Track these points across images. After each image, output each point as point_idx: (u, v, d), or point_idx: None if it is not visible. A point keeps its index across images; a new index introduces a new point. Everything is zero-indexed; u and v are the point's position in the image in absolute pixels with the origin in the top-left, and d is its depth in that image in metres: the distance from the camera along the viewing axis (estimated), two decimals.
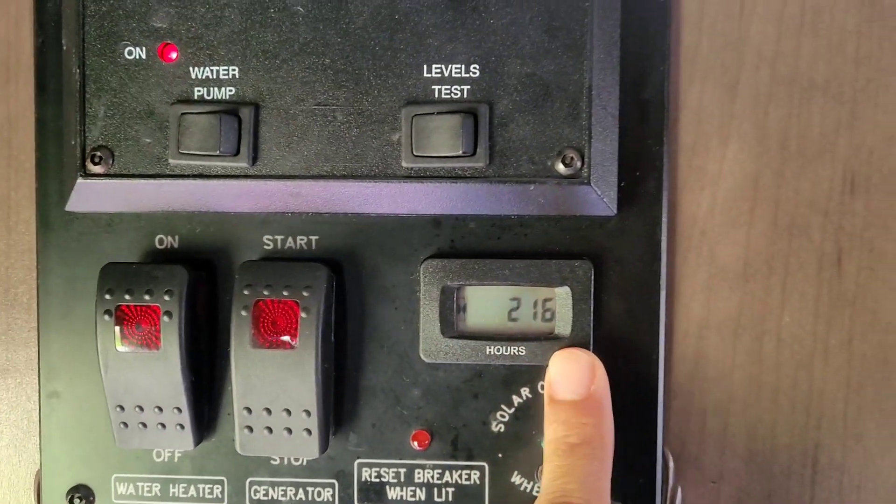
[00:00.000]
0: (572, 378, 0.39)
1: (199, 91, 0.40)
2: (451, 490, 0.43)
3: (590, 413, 0.38)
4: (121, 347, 0.41)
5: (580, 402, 0.39)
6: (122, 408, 0.42)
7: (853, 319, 0.42)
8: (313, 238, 0.43)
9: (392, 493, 0.43)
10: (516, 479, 0.43)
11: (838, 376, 0.42)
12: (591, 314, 0.41)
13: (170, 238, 0.43)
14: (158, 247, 0.43)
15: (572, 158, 0.39)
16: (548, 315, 0.42)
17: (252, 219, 0.43)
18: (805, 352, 0.42)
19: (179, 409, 0.42)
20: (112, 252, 0.43)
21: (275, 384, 0.41)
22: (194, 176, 0.40)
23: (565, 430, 0.38)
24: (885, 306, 0.42)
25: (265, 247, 0.43)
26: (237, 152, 0.40)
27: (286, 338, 0.40)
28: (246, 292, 0.41)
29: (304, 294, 0.40)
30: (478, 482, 0.43)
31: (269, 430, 0.41)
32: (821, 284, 0.42)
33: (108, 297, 0.41)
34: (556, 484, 0.36)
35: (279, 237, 0.43)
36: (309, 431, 0.41)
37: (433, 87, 0.39)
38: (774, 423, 0.42)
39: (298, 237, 0.43)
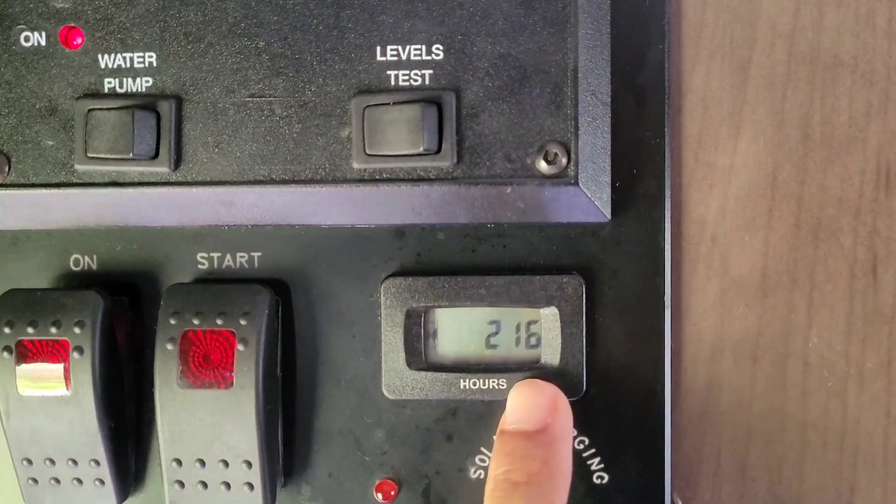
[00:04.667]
0: (528, 407, 0.38)
1: (109, 83, 0.39)
2: None
3: (541, 446, 0.37)
4: (24, 390, 0.39)
5: (532, 434, 0.37)
6: (29, 461, 0.40)
7: (892, 338, 0.40)
8: (255, 255, 0.41)
9: None
10: None
11: (876, 405, 0.40)
12: (584, 339, 0.40)
13: (87, 258, 0.41)
14: (74, 268, 0.41)
15: (556, 155, 0.38)
16: (532, 341, 0.40)
17: (182, 234, 0.41)
18: (837, 377, 0.41)
19: (97, 462, 0.39)
20: (19, 276, 0.41)
21: (208, 430, 0.38)
22: (106, 184, 0.39)
23: (509, 465, 0.36)
24: None
25: (199, 266, 0.41)
26: (156, 155, 0.38)
27: (221, 375, 0.38)
28: (172, 321, 0.39)
29: (242, 322, 0.38)
30: None
31: (204, 484, 0.39)
32: (853, 297, 0.40)
33: (7, 330, 0.39)
34: None
35: (215, 255, 0.41)
36: (251, 486, 0.39)
37: (388, 72, 0.38)
38: (802, 463, 0.41)
39: (238, 254, 0.41)
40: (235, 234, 0.40)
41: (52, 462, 0.39)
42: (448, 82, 0.38)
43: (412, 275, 0.40)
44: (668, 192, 0.40)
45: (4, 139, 0.39)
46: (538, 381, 0.39)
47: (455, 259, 0.40)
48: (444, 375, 0.40)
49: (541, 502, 0.36)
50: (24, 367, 0.38)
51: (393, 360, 0.40)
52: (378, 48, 0.38)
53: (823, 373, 0.40)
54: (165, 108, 0.38)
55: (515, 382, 0.40)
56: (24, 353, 0.38)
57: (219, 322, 0.38)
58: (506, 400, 0.40)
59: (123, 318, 0.40)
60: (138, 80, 0.38)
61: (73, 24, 0.39)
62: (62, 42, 0.39)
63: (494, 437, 0.39)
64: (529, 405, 0.38)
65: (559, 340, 0.39)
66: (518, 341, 0.40)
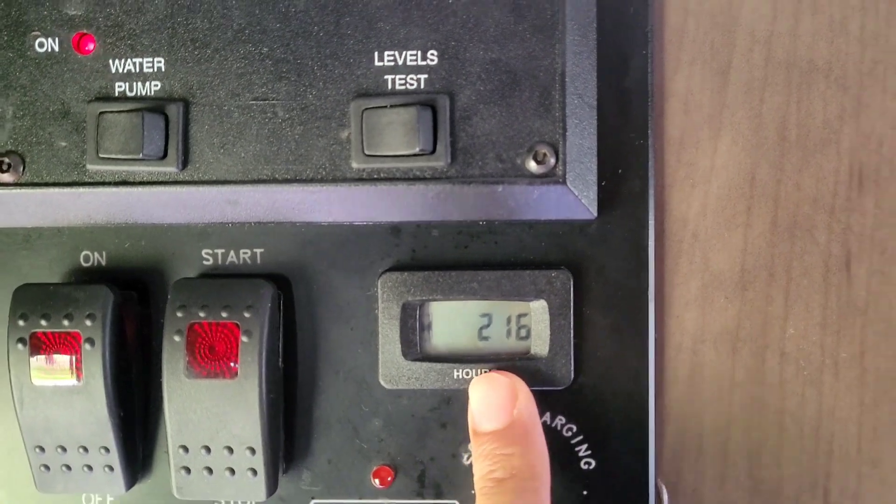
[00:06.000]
0: (491, 404, 0.38)
1: (120, 87, 0.39)
2: None
3: (514, 441, 0.38)
4: (37, 380, 0.39)
5: (502, 431, 0.38)
6: (41, 448, 0.40)
7: (865, 329, 0.41)
8: (257, 251, 0.41)
9: None
10: None
11: (850, 394, 0.41)
12: (572, 330, 0.40)
13: (96, 254, 0.42)
14: (84, 264, 0.42)
15: (545, 155, 0.38)
16: (523, 332, 0.41)
17: (188, 231, 0.41)
18: (812, 367, 0.41)
19: (107, 449, 0.40)
20: (31, 271, 0.42)
21: (214, 419, 0.39)
22: (116, 183, 0.39)
23: (490, 465, 0.37)
24: None
25: (204, 262, 0.41)
26: (164, 155, 0.38)
27: (226, 365, 0.38)
28: (179, 314, 0.39)
29: (246, 315, 0.39)
30: None
31: (209, 470, 0.39)
32: (828, 291, 0.41)
33: (21, 322, 0.39)
34: None
35: (219, 251, 0.41)
36: (254, 471, 0.39)
37: (385, 76, 0.38)
38: (780, 448, 0.41)
39: (241, 250, 0.41)
40: (239, 230, 0.41)
41: (64, 449, 0.39)
42: (442, 86, 0.38)
43: (408, 270, 0.40)
44: (651, 191, 0.40)
45: (19, 140, 0.39)
46: (492, 374, 0.39)
47: (449, 255, 0.40)
48: (438, 366, 0.40)
49: (528, 492, 0.37)
50: (38, 359, 0.38)
51: (389, 352, 0.40)
52: (376, 54, 0.38)
53: (800, 363, 0.41)
54: (173, 110, 0.38)
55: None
56: (38, 344, 0.38)
57: (223, 315, 0.38)
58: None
59: (132, 311, 0.40)
60: (147, 84, 0.38)
61: (85, 31, 0.39)
62: (75, 48, 0.39)
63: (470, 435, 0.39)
64: (491, 402, 0.38)
65: (548, 332, 0.40)
66: (509, 333, 0.40)
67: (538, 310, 0.40)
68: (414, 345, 0.40)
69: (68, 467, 0.40)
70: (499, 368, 0.40)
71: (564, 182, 0.38)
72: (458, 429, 0.41)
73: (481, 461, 0.37)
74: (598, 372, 0.40)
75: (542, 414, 0.40)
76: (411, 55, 0.38)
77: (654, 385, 0.40)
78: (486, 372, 0.40)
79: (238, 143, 0.38)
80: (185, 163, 0.38)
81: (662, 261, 0.41)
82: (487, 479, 0.37)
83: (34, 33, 0.39)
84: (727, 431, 0.41)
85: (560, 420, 0.40)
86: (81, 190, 0.39)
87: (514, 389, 0.38)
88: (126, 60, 0.38)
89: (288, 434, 0.41)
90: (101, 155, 0.38)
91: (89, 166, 0.38)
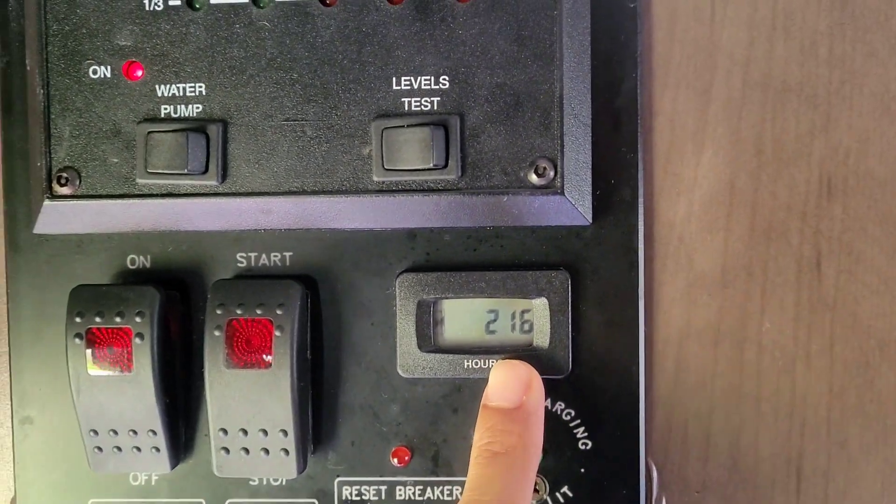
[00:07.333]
0: (507, 386, 0.39)
1: (165, 109, 0.40)
2: None
3: (517, 422, 0.38)
4: (92, 371, 0.41)
5: (509, 412, 0.39)
6: (95, 432, 0.42)
7: (834, 323, 0.42)
8: (287, 254, 0.42)
9: None
10: None
11: (820, 382, 0.42)
12: (570, 325, 0.41)
13: (142, 258, 0.43)
14: (130, 267, 0.43)
15: (545, 168, 0.39)
16: (526, 327, 0.42)
17: (224, 237, 0.43)
18: (786, 358, 0.42)
19: (154, 432, 0.41)
20: (83, 274, 0.43)
21: (250, 404, 0.40)
22: (163, 195, 0.40)
23: (490, 437, 0.38)
24: (866, 309, 0.42)
25: (238, 264, 0.43)
26: (206, 170, 0.40)
27: (261, 357, 0.40)
28: (219, 311, 0.40)
29: (278, 312, 0.40)
30: (459, 498, 0.41)
31: (246, 450, 0.41)
32: (800, 289, 0.42)
33: (78, 319, 0.41)
34: (473, 494, 0.37)
35: (252, 254, 0.43)
36: (286, 451, 0.41)
37: (403, 99, 0.39)
38: (757, 431, 0.42)
39: (272, 254, 0.43)
40: (270, 236, 0.42)
41: (115, 433, 0.41)
42: (453, 108, 0.39)
43: (423, 271, 0.41)
44: (641, 199, 0.41)
45: (76, 157, 0.40)
46: (515, 361, 0.40)
47: (459, 257, 0.42)
48: (450, 357, 0.41)
49: (517, 469, 0.38)
50: (93, 351, 0.40)
51: (406, 344, 0.41)
52: (394, 79, 0.39)
53: (775, 354, 0.42)
54: (213, 130, 0.39)
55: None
56: (93, 339, 0.40)
57: (258, 312, 0.40)
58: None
59: (176, 309, 0.42)
60: (190, 106, 0.40)
61: (134, 59, 0.40)
62: (125, 74, 0.40)
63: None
64: (508, 384, 0.39)
65: (548, 327, 0.41)
66: (513, 327, 0.42)
67: (540, 306, 0.41)
68: (428, 338, 0.42)
69: (119, 448, 0.41)
70: (506, 359, 0.41)
71: (563, 192, 0.39)
72: (469, 414, 0.42)
73: (483, 432, 0.39)
74: (593, 362, 0.41)
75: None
76: (425, 80, 0.39)
77: (644, 374, 0.41)
78: (495, 362, 0.41)
79: (271, 159, 0.40)
80: (224, 177, 0.40)
81: (651, 262, 0.42)
82: (485, 450, 0.38)
83: (88, 62, 0.40)
84: (710, 416, 0.42)
85: (560, 405, 0.42)
86: (131, 201, 0.40)
87: (530, 379, 0.39)
88: (171, 86, 0.40)
89: (315, 418, 0.42)
90: (149, 170, 0.39)
91: (139, 180, 0.40)
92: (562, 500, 0.42)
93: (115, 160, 0.40)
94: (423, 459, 0.43)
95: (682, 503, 0.42)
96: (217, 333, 0.40)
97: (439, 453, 0.43)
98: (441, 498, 0.43)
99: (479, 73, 0.39)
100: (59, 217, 0.41)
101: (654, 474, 0.42)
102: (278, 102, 0.40)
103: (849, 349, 0.42)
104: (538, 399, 0.40)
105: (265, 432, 0.41)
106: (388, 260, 0.42)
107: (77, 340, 0.41)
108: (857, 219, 0.42)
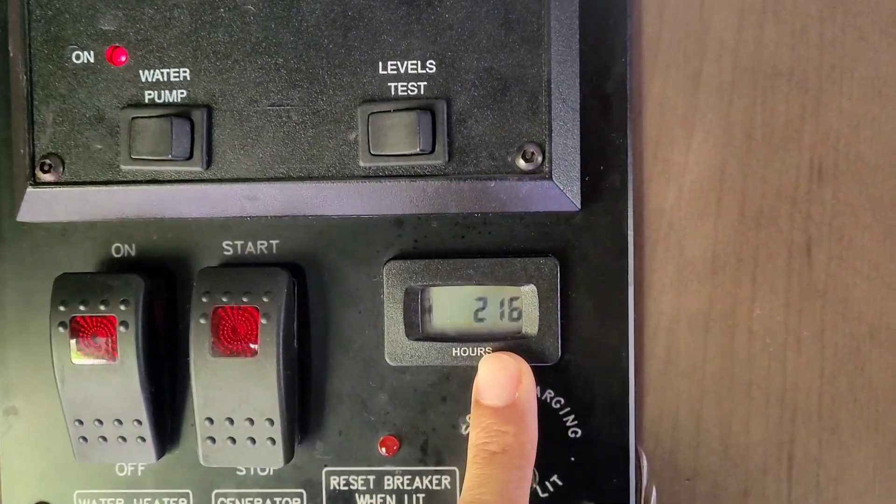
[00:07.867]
0: (498, 383, 0.39)
1: (149, 94, 0.40)
2: (421, 496, 0.43)
3: (511, 421, 0.39)
4: (77, 360, 0.40)
5: (503, 410, 0.39)
6: (80, 422, 0.41)
7: (824, 309, 0.42)
8: (273, 242, 0.42)
9: (361, 501, 0.43)
10: None
11: (811, 368, 0.42)
12: (559, 312, 0.41)
13: (126, 246, 0.43)
14: (115, 255, 0.43)
15: (533, 153, 0.39)
16: (514, 314, 0.42)
17: (210, 224, 0.42)
18: (777, 344, 0.42)
19: (140, 422, 0.41)
20: (67, 262, 0.43)
21: (236, 393, 0.40)
22: (147, 182, 0.40)
23: (486, 437, 0.39)
24: (856, 295, 0.42)
25: (225, 252, 0.43)
26: (190, 156, 0.40)
27: (247, 345, 0.40)
28: (204, 299, 0.40)
29: (264, 300, 0.40)
30: (448, 487, 0.43)
31: (233, 440, 0.41)
32: (791, 275, 0.42)
33: (62, 308, 0.40)
34: (473, 493, 0.37)
35: (238, 242, 0.43)
36: (273, 441, 0.41)
37: (389, 84, 0.39)
38: (748, 417, 0.42)
39: (258, 241, 0.42)
40: (256, 223, 0.42)
41: (100, 422, 0.41)
42: (440, 92, 0.39)
43: (410, 258, 0.41)
44: (630, 185, 0.41)
45: (59, 144, 0.40)
46: (504, 354, 0.40)
47: (447, 244, 0.42)
48: (438, 345, 0.41)
49: (514, 466, 0.38)
50: (77, 340, 0.40)
51: (394, 332, 0.42)
52: (380, 63, 0.39)
53: (766, 340, 0.42)
54: (198, 115, 0.39)
55: (502, 350, 0.41)
56: (77, 327, 0.40)
57: (244, 300, 0.40)
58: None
59: (161, 297, 0.42)
60: (174, 92, 0.39)
61: (117, 44, 0.40)
62: (108, 60, 0.40)
63: (471, 404, 0.40)
64: (498, 380, 0.39)
65: (537, 314, 0.41)
66: (502, 315, 0.42)
67: (528, 293, 0.41)
68: (416, 326, 0.42)
69: (104, 438, 0.41)
70: (494, 348, 0.41)
71: (551, 178, 0.39)
72: (457, 402, 0.42)
73: (478, 432, 0.39)
74: (583, 350, 0.42)
75: None
76: (412, 64, 0.39)
77: (633, 361, 0.41)
78: (485, 352, 0.41)
79: (256, 145, 0.39)
80: (208, 163, 0.40)
81: (641, 248, 0.42)
82: (482, 449, 0.38)
83: (71, 47, 0.40)
84: (700, 402, 0.42)
85: (549, 393, 0.42)
86: (116, 188, 0.40)
87: (519, 373, 0.40)
88: (155, 71, 0.39)
89: (303, 407, 0.42)
90: (133, 156, 0.39)
91: (123, 166, 0.40)
92: (551, 488, 0.42)
93: (99, 146, 0.40)
94: (412, 448, 0.43)
95: (673, 491, 0.43)
96: (203, 321, 0.40)
97: (428, 442, 0.43)
98: (430, 487, 0.43)
99: (465, 57, 0.39)
100: (43, 204, 0.41)
101: (644, 462, 0.42)
102: (263, 87, 0.40)
103: (839, 335, 0.42)
104: (530, 393, 0.40)
105: (251, 421, 0.40)
106: (375, 247, 0.42)
107: (61, 329, 0.40)
108: (848, 204, 0.42)
